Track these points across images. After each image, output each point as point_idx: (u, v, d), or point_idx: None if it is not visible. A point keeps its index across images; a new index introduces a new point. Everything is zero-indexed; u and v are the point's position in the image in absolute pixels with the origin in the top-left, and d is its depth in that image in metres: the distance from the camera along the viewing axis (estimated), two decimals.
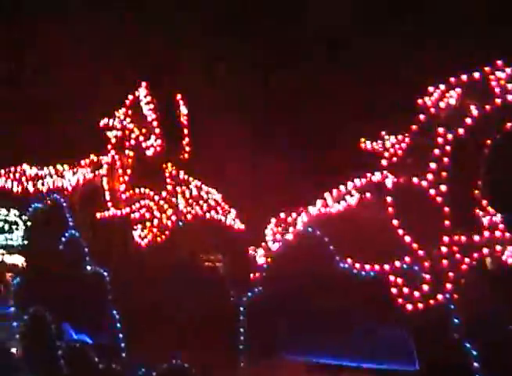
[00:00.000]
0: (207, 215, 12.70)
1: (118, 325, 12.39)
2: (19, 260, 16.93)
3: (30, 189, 13.60)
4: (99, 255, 12.89)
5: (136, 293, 12.26)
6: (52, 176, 13.71)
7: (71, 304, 12.77)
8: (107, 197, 13.17)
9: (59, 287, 12.88)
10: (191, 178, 13.25)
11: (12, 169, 14.12)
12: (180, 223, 12.39)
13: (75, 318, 12.91)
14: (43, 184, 13.68)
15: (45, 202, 13.57)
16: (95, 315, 12.70)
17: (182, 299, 11.87)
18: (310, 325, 10.90)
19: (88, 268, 12.90)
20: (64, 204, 13.14)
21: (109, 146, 13.20)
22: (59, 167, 13.88)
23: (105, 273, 12.65)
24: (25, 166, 14.13)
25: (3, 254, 19.26)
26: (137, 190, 12.89)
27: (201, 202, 12.87)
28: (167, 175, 12.97)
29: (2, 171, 14.12)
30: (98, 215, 13.21)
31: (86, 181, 13.59)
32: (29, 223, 14.02)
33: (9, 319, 14.58)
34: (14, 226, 19.20)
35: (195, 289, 11.85)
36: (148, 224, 12.63)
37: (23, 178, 13.86)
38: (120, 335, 12.30)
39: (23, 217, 14.16)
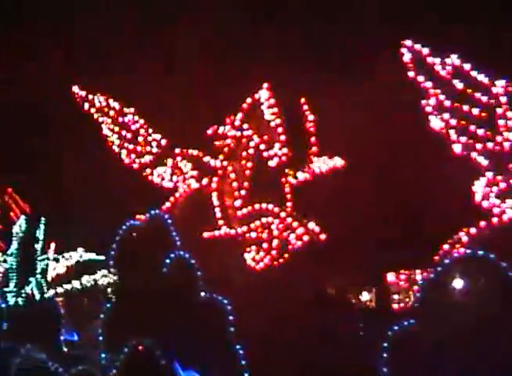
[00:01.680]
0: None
1: (243, 362, 10.72)
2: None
3: None
4: (215, 281, 11.16)
5: (263, 326, 10.65)
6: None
7: (181, 336, 10.98)
8: (218, 214, 11.54)
9: (165, 316, 11.07)
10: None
11: None
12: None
13: (185, 352, 11.12)
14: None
15: (141, 219, 11.74)
16: (209, 349, 10.98)
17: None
18: None
19: (202, 295, 11.14)
20: (169, 221, 11.35)
21: (220, 157, 11.59)
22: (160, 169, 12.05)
23: (225, 301, 10.94)
24: None
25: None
26: (256, 206, 11.31)
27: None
28: (287, 189, 11.45)
29: None
30: (206, 234, 11.55)
31: (188, 195, 11.89)
32: (123, 242, 12.07)
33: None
34: None
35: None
36: (265, 245, 11.10)
37: None
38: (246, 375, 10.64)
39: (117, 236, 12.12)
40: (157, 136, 12.26)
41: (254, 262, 10.95)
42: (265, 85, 11.41)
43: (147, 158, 12.09)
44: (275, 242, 11.02)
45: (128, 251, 11.51)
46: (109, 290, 13.69)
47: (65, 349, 17.42)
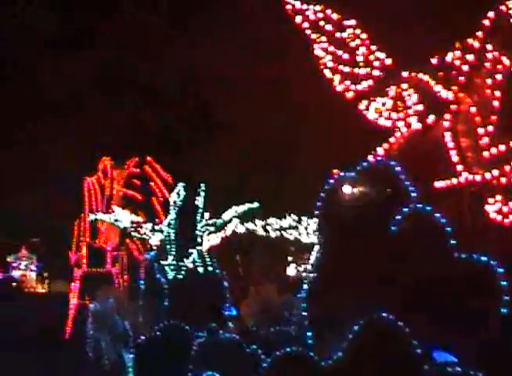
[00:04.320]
0: None
1: None
2: None
3: None
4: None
5: None
6: None
7: (429, 310, 8.69)
8: (454, 158, 9.30)
9: (398, 286, 8.81)
10: None
11: None
12: None
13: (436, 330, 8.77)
14: None
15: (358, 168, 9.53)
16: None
17: None
18: None
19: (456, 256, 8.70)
20: (398, 168, 9.17)
21: (454, 88, 9.31)
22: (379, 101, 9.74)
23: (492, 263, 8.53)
24: None
25: None
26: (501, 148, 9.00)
27: None
28: None
29: None
30: (438, 183, 9.34)
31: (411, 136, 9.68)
32: (332, 199, 9.91)
33: None
34: None
35: None
36: None
37: None
38: None
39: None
40: (381, 55, 9.90)
41: (500, 215, 8.59)
42: None
43: (365, 84, 9.78)
44: None
45: (338, 209, 9.40)
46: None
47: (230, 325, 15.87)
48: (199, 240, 16.83)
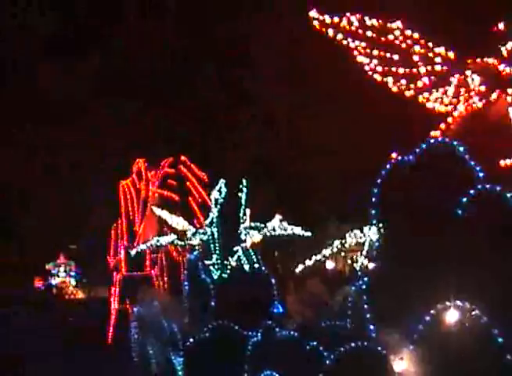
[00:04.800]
0: None
1: None
2: None
3: None
4: None
5: None
6: None
7: None
8: None
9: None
10: None
11: None
12: None
13: None
14: None
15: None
16: None
17: None
18: None
19: None
20: (461, 148, 8.62)
21: None
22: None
23: None
24: None
25: None
26: None
27: None
28: None
29: None
30: (503, 162, 8.79)
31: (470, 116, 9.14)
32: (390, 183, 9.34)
33: None
34: None
35: None
36: None
37: None
38: None
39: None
40: (441, 50, 9.52)
41: None
42: None
43: (426, 80, 9.40)
44: None
45: (398, 195, 8.89)
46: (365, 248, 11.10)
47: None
48: (242, 237, 16.44)
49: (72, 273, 44.39)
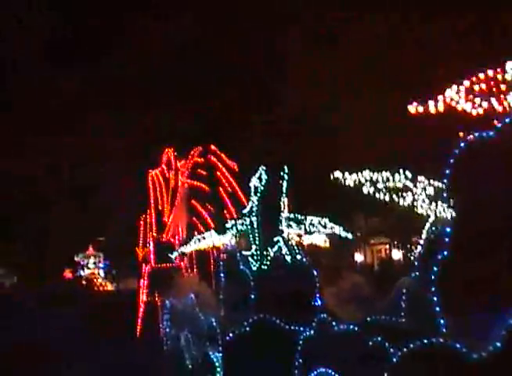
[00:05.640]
0: None
1: None
2: None
3: None
4: None
5: None
6: None
7: None
8: None
9: None
10: None
11: None
12: None
13: None
14: None
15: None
16: None
17: None
18: None
19: None
20: None
21: None
22: None
23: None
24: None
25: None
26: None
27: None
28: None
29: None
30: None
31: None
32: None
33: None
34: None
35: None
36: None
37: None
38: None
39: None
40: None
41: None
42: None
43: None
44: None
45: (477, 174, 8.03)
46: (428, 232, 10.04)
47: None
48: (283, 228, 15.60)
49: (101, 265, 43.96)
